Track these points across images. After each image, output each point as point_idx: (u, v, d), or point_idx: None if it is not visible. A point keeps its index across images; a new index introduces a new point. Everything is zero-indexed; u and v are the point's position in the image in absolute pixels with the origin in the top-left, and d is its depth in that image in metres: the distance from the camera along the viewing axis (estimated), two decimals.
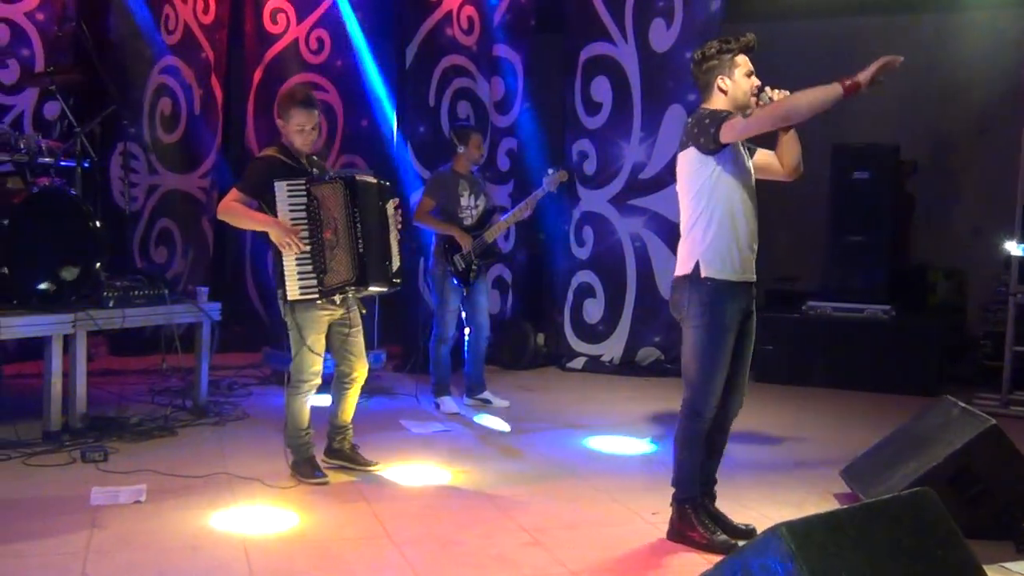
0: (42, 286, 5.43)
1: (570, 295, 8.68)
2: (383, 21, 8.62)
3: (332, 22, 8.64)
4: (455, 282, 6.51)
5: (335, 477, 4.86)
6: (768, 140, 4.05)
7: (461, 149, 6.59)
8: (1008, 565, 3.88)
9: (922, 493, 2.96)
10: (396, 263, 4.88)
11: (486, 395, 6.81)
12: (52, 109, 7.27)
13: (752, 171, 4.03)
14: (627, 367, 8.30)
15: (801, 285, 8.91)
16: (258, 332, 8.25)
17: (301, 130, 4.71)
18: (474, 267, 6.54)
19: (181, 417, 5.96)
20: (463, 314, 6.68)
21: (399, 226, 4.93)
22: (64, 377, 5.35)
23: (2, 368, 6.20)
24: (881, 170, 8.04)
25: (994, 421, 4.23)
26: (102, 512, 4.21)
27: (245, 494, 4.55)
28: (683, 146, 3.98)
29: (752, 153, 4.09)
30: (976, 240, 8.72)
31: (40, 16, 7.38)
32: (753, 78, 3.93)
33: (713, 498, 4.20)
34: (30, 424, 5.33)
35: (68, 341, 5.36)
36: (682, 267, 4.01)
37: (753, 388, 7.75)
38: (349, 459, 5.04)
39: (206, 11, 8.48)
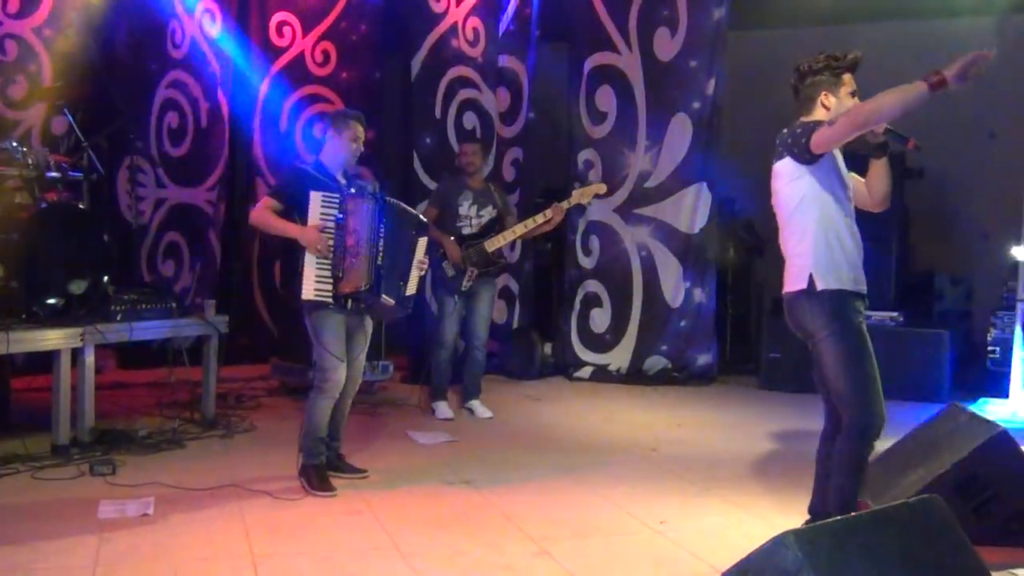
0: (50, 300, 5.45)
1: (577, 304, 8.68)
2: (389, 33, 8.65)
3: (338, 34, 8.67)
4: (446, 290, 6.60)
5: (342, 489, 4.86)
6: (861, 166, 4.02)
7: (456, 161, 6.81)
8: (1018, 572, 3.86)
9: (930, 500, 2.95)
10: (411, 290, 5.00)
11: (472, 404, 6.86)
12: (60, 124, 7.29)
13: (851, 185, 3.96)
14: (634, 376, 8.30)
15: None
16: (266, 344, 8.26)
17: (356, 140, 4.92)
18: (466, 275, 6.58)
19: (189, 430, 5.97)
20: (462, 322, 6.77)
21: (423, 265, 5.07)
22: (72, 390, 5.37)
23: (11, 382, 6.22)
24: None
25: (1002, 427, 4.22)
26: (110, 525, 4.22)
27: (253, 507, 4.55)
28: (779, 156, 3.92)
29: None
30: (984, 246, 8.70)
31: (47, 32, 7.41)
32: (856, 98, 3.85)
33: None
34: (39, 437, 5.34)
35: (76, 354, 5.36)
36: (794, 283, 3.90)
37: (761, 396, 7.81)
38: (336, 468, 5.06)
39: (213, 24, 8.52)
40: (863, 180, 4.06)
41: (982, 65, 3.39)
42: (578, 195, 6.70)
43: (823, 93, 3.87)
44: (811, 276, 3.82)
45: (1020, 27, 8.49)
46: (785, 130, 3.94)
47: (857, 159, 4.06)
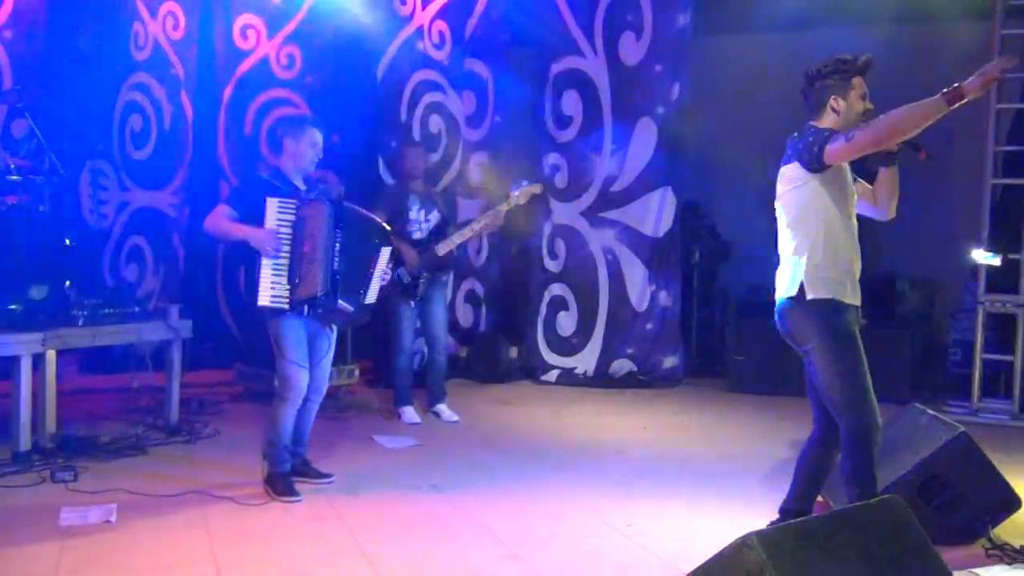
0: (11, 305, 5.38)
1: (543, 308, 8.69)
2: (354, 36, 8.62)
3: (303, 38, 8.63)
4: (401, 296, 6.60)
5: (308, 494, 4.83)
6: (870, 173, 3.99)
7: (399, 165, 6.87)
8: (977, 571, 3.91)
9: (891, 501, 2.99)
10: (371, 299, 4.97)
11: (438, 408, 6.87)
12: (20, 127, 7.20)
13: (855, 195, 3.95)
14: (601, 379, 8.33)
15: (773, 295, 8.94)
16: (230, 349, 8.19)
17: (315, 145, 4.91)
18: (421, 280, 6.60)
19: (152, 436, 5.91)
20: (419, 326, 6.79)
21: (386, 276, 5.03)
22: (34, 396, 5.29)
23: None
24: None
25: (963, 429, 4.27)
26: (72, 532, 4.17)
27: (217, 513, 4.52)
28: (787, 159, 3.88)
29: (854, 181, 3.99)
30: (944, 249, 8.80)
31: (8, 33, 7.32)
32: (866, 101, 3.81)
33: None
34: None
35: (37, 360, 5.29)
36: (786, 290, 3.89)
37: (727, 398, 7.85)
38: (302, 473, 5.04)
39: (176, 27, 8.44)
40: (870, 187, 4.04)
41: (1001, 72, 3.37)
42: (516, 197, 6.71)
43: (833, 97, 3.83)
44: (802, 285, 3.82)
45: (976, 36, 8.59)
46: (796, 133, 3.89)
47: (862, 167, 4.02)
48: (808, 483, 4.10)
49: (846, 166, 3.89)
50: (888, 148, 3.81)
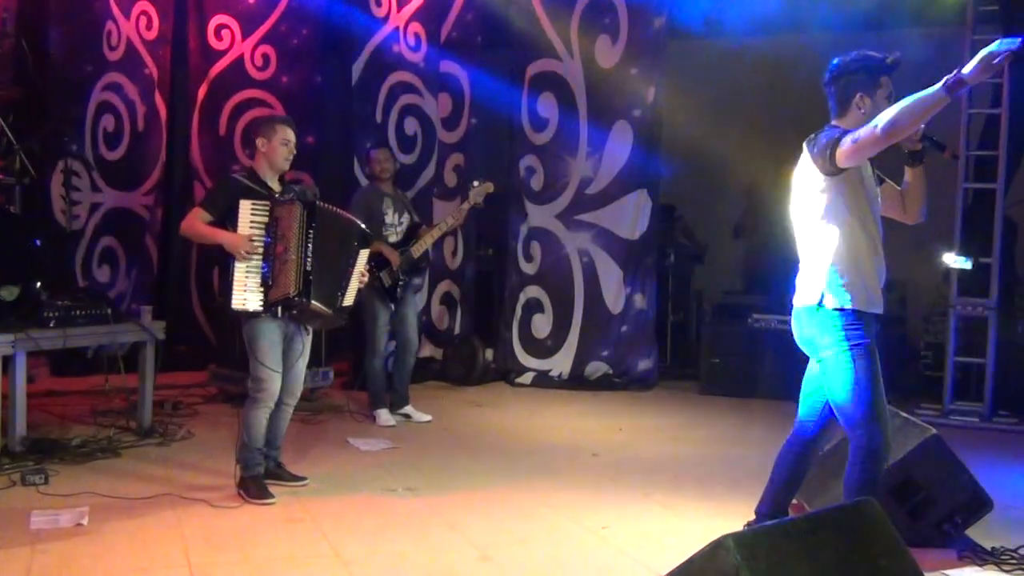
0: None
1: (518, 310, 8.70)
2: (329, 37, 8.60)
3: (278, 38, 8.60)
4: (381, 299, 6.58)
5: (282, 497, 4.81)
6: (897, 173, 3.87)
7: (367, 168, 6.88)
8: (949, 572, 3.94)
9: (864, 503, 3.00)
10: (348, 301, 4.93)
11: (407, 410, 6.86)
12: None
13: (880, 199, 3.83)
14: (576, 382, 8.33)
15: (747, 298, 9.00)
16: (204, 350, 8.14)
17: (287, 143, 4.86)
18: (400, 282, 6.61)
19: (125, 438, 5.86)
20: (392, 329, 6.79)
21: (364, 277, 5.01)
22: (3, 399, 5.24)
23: None
24: None
25: (935, 431, 4.30)
26: (43, 536, 4.13)
27: (191, 515, 4.48)
28: (804, 163, 3.78)
29: (880, 183, 3.88)
30: (917, 252, 8.87)
31: None
32: (890, 102, 3.59)
33: None
34: None
35: (7, 362, 5.24)
36: (804, 297, 3.79)
37: (701, 401, 7.88)
38: (276, 476, 5.02)
39: (149, 27, 8.39)
40: (898, 189, 3.92)
41: (1001, 59, 3.16)
42: (473, 196, 6.73)
43: (859, 95, 3.69)
44: (822, 294, 3.71)
45: (948, 41, 8.66)
46: (813, 135, 3.77)
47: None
48: (786, 484, 4.08)
49: (867, 167, 3.77)
50: (911, 143, 3.71)
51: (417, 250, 6.70)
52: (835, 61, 3.76)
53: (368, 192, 6.84)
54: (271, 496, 4.75)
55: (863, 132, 3.48)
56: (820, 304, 3.71)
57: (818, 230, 3.76)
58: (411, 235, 6.76)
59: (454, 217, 6.80)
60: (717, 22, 8.98)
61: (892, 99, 3.62)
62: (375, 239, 6.46)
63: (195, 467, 5.33)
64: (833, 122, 3.78)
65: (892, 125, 3.36)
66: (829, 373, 3.74)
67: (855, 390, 3.66)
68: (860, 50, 3.74)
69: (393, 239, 6.67)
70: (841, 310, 3.67)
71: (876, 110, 3.55)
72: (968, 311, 7.32)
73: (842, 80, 3.73)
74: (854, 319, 3.68)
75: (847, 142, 3.53)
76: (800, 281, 3.86)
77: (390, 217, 6.68)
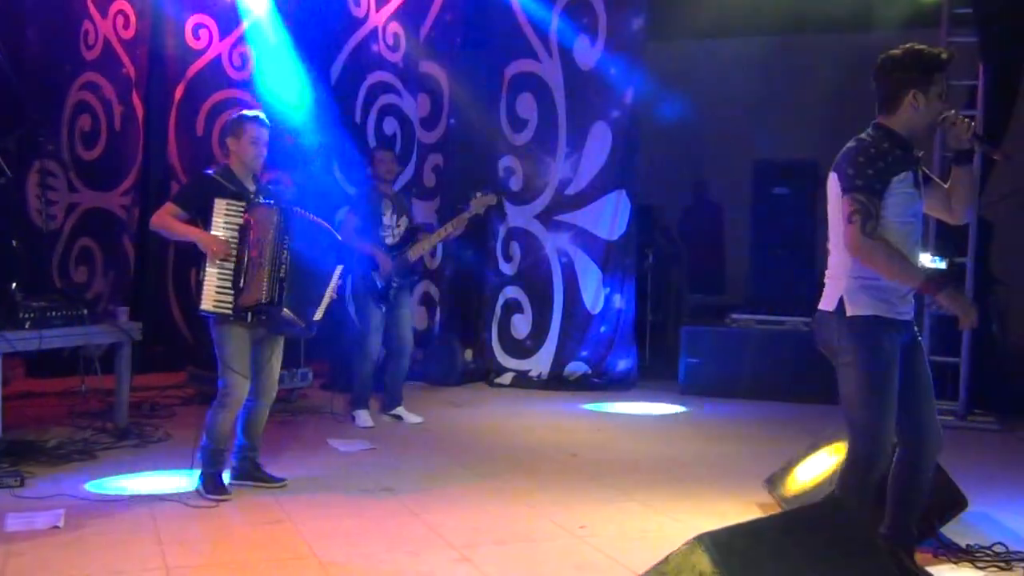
0: None
1: (498, 310, 8.70)
2: (308, 37, 8.58)
3: (256, 38, 8.56)
4: (374, 300, 6.55)
5: (260, 498, 4.79)
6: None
7: (371, 168, 6.79)
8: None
9: (840, 501, 3.03)
10: (319, 316, 4.86)
11: (399, 411, 6.86)
12: None
13: (920, 204, 3.66)
14: (555, 382, 8.34)
15: (726, 298, 9.05)
16: (181, 352, 8.11)
17: (256, 142, 4.79)
18: (393, 286, 6.59)
19: (101, 440, 5.83)
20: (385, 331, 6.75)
21: (334, 293, 4.91)
22: None
23: None
24: (800, 186, 8.21)
25: None
26: (18, 538, 4.10)
27: (167, 517, 4.47)
28: (835, 168, 3.61)
29: (927, 181, 3.72)
30: None
31: None
32: (943, 100, 3.50)
33: (911, 552, 3.73)
34: None
35: None
36: (827, 302, 3.66)
37: (679, 400, 7.89)
38: (253, 477, 5.00)
39: (126, 26, 8.34)
40: (945, 187, 3.76)
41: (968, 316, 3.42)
42: (475, 206, 6.75)
43: (912, 92, 3.50)
44: (842, 299, 3.58)
45: (924, 44, 8.72)
46: (852, 141, 3.59)
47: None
48: (899, 506, 3.77)
49: (912, 177, 3.57)
50: (959, 141, 3.58)
51: (414, 254, 6.69)
52: (885, 55, 3.60)
53: (368, 192, 6.81)
54: (227, 492, 4.77)
55: (855, 232, 3.44)
56: (840, 311, 3.60)
57: (842, 234, 3.59)
58: (409, 238, 6.74)
59: (454, 224, 6.75)
60: (695, 23, 9.03)
61: (943, 97, 3.53)
62: (366, 243, 6.47)
63: (172, 469, 5.30)
64: (879, 119, 3.61)
65: (870, 262, 3.46)
66: (842, 379, 3.64)
67: (864, 401, 3.54)
68: (911, 44, 3.59)
69: (389, 241, 6.65)
70: (861, 318, 3.56)
71: (929, 109, 3.50)
72: (943, 311, 7.35)
73: (895, 74, 3.56)
74: (873, 327, 3.55)
75: (851, 218, 3.46)
76: (826, 284, 3.76)
77: (387, 219, 6.66)
